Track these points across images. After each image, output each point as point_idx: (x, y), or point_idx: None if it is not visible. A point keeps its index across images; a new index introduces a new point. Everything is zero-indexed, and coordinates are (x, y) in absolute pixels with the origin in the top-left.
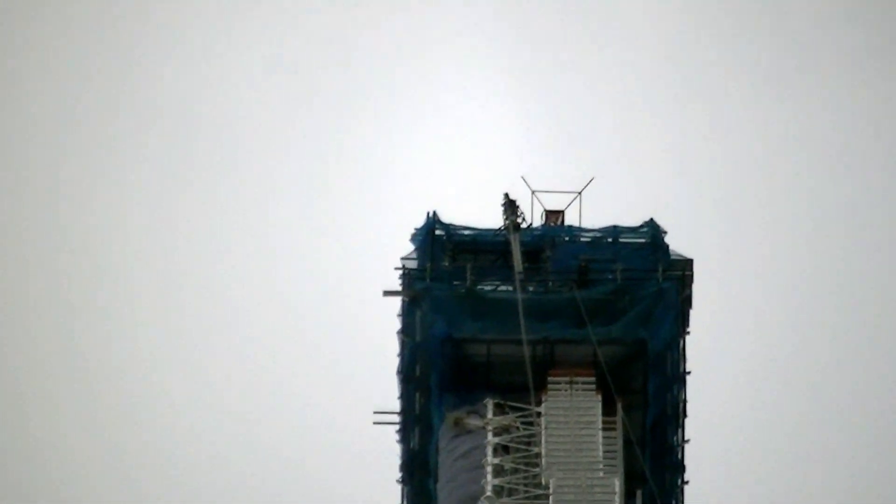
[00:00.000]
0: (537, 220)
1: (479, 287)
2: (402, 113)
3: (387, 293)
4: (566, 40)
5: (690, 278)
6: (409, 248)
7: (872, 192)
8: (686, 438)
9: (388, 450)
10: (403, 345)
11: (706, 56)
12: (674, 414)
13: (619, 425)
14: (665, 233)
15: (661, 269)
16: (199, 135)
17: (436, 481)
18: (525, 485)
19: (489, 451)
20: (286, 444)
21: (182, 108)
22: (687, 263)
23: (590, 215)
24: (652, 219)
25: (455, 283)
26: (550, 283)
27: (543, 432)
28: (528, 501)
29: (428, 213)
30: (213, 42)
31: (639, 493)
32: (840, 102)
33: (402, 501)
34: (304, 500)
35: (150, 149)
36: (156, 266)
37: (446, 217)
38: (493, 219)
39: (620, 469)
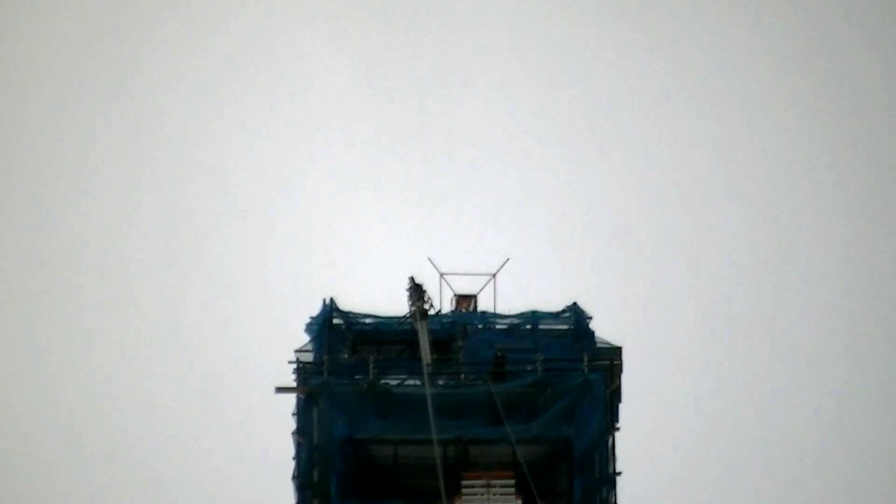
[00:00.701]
0: (447, 306)
1: (383, 381)
2: (295, 191)
3: (280, 390)
4: (470, 112)
5: (619, 368)
6: (304, 339)
7: (810, 266)
8: None
9: None
10: (299, 447)
11: (624, 126)
12: None
13: None
14: (590, 318)
15: (586, 358)
16: (80, 227)
17: None
18: None
19: None
20: None
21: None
22: (615, 352)
23: (505, 300)
24: (575, 303)
25: (356, 377)
26: (463, 376)
27: None
28: None
29: (324, 300)
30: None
31: None
32: (777, 170)
33: None
34: None
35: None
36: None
37: (345, 304)
38: (397, 305)
39: None
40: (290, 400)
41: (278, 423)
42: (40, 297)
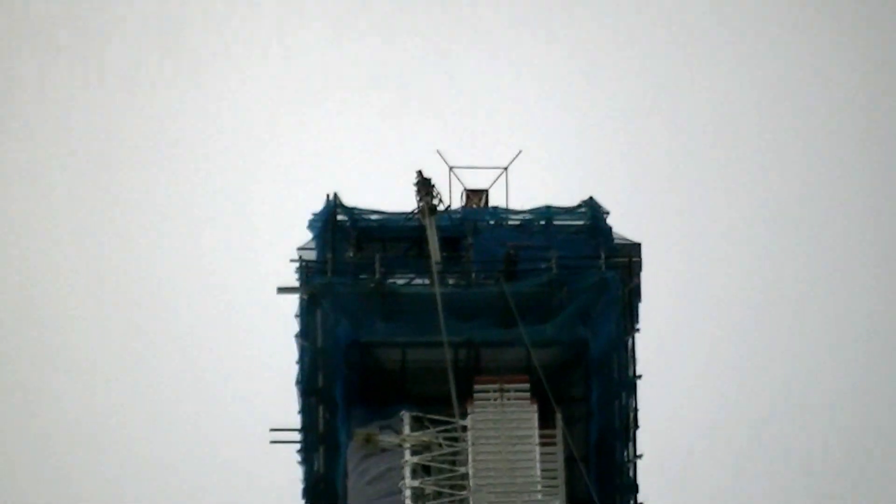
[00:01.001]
0: (456, 202)
1: (390, 281)
2: (295, 80)
3: (281, 290)
4: None
5: (638, 266)
6: (307, 236)
7: (841, 163)
8: (638, 454)
9: (288, 473)
10: (303, 351)
11: (649, 3)
12: (623, 426)
13: (559, 440)
14: (607, 213)
15: (602, 255)
16: (70, 124)
17: None
18: None
19: (407, 472)
20: (170, 466)
21: (56, 99)
22: (633, 248)
23: (518, 195)
24: (591, 197)
25: (361, 276)
26: (473, 276)
27: (470, 449)
28: None
29: (328, 196)
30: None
31: None
32: (801, 68)
33: None
34: None
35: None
36: (15, 263)
37: (349, 200)
38: (404, 201)
39: (562, 491)
40: (293, 301)
41: (281, 325)
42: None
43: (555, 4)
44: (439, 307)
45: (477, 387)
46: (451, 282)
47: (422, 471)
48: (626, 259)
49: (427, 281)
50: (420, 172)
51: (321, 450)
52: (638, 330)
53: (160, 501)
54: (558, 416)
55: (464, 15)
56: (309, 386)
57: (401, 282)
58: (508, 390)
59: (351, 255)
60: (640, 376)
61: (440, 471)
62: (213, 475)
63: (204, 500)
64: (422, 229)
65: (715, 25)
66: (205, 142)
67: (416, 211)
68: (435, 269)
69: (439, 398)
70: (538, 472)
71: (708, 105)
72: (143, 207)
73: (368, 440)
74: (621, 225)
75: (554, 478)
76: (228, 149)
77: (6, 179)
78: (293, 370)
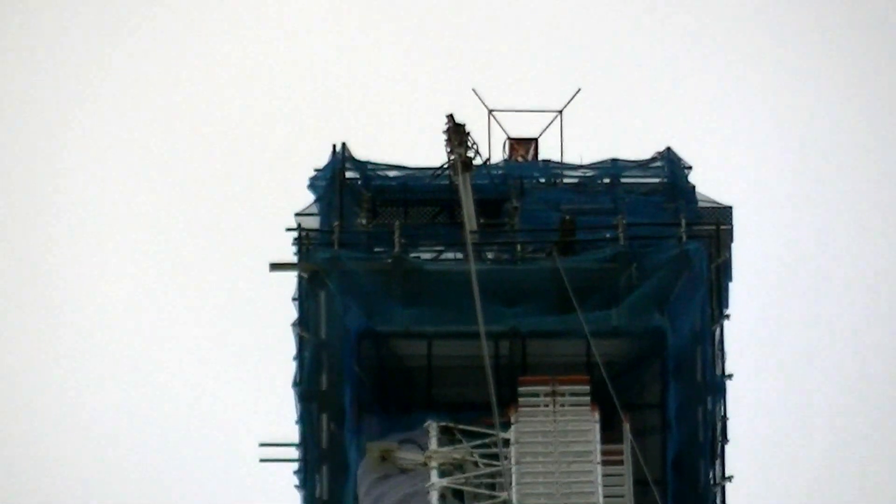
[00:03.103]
0: (497, 154)
1: (413, 255)
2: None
3: (275, 267)
4: None
5: (729, 236)
6: (308, 198)
7: None
8: (727, 475)
9: (283, 498)
10: (302, 344)
11: None
12: (708, 439)
13: (627, 457)
14: (689, 168)
15: (683, 222)
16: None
17: None
18: None
19: (434, 499)
20: (147, 483)
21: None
22: (723, 213)
23: (575, 145)
24: (669, 148)
25: (377, 250)
26: (519, 248)
27: (514, 469)
28: None
29: (334, 147)
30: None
31: None
32: None
33: None
34: None
35: None
36: None
37: (362, 152)
38: (431, 154)
39: None
40: (290, 280)
41: (274, 311)
42: None
43: None
44: (475, 288)
45: (523, 389)
46: (490, 256)
47: (452, 496)
48: (714, 227)
49: (460, 255)
50: (451, 117)
51: (324, 470)
52: (728, 317)
53: None
54: (626, 426)
55: None
56: (309, 388)
57: (426, 256)
58: (563, 394)
59: (364, 222)
60: (730, 376)
61: (476, 497)
62: (197, 500)
63: None
64: (454, 189)
65: None
66: (185, 72)
67: (446, 166)
68: (470, 239)
69: (475, 404)
70: (600, 500)
71: (819, 29)
72: (114, 163)
73: (385, 457)
74: (707, 183)
75: None
76: (206, 92)
77: None
78: (290, 368)
